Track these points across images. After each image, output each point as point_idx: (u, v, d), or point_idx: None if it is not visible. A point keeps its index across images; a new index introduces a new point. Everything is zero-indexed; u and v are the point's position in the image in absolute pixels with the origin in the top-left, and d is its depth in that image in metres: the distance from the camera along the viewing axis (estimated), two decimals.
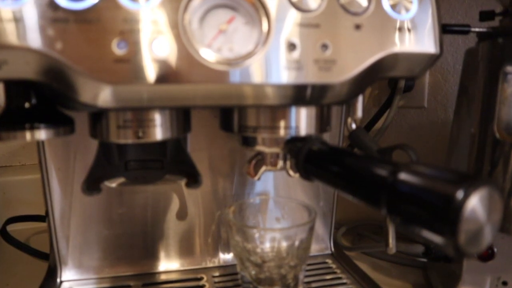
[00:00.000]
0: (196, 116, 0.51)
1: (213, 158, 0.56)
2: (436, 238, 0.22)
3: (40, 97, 0.36)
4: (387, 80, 0.76)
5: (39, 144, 0.50)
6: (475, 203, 0.21)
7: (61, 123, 0.36)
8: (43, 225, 0.61)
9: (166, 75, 0.31)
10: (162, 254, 0.57)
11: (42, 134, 0.34)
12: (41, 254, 0.65)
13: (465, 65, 0.55)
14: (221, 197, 0.58)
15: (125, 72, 0.30)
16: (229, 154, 0.56)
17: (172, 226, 0.57)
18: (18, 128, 0.34)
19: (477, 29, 0.50)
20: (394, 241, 0.38)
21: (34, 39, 0.28)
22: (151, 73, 0.30)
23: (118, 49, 0.30)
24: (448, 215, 0.21)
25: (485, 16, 0.52)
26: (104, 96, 0.31)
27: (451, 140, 0.58)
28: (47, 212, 0.52)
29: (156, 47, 0.30)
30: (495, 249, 0.49)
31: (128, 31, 0.30)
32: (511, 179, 0.44)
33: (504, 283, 0.50)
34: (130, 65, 0.30)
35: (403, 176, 0.25)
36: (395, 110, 0.71)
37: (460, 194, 0.21)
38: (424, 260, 0.64)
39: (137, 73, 0.30)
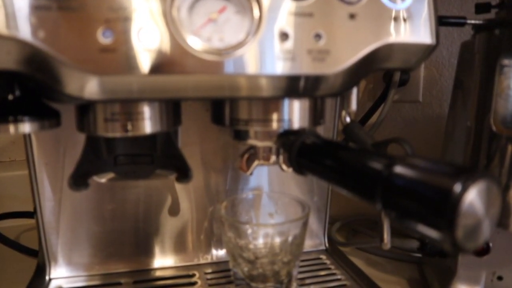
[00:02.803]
0: (188, 109, 0.50)
1: (205, 153, 0.55)
2: (433, 233, 0.22)
3: (24, 89, 0.35)
4: (382, 74, 0.76)
5: (26, 138, 0.48)
6: (473, 196, 0.20)
7: (46, 115, 0.35)
8: (33, 221, 0.60)
9: (154, 65, 0.29)
10: (154, 251, 0.56)
11: (26, 127, 0.33)
12: (31, 251, 0.64)
13: (461, 58, 0.54)
14: (214, 193, 0.57)
15: (111, 62, 0.29)
16: (222, 149, 0.55)
17: (164, 222, 0.56)
18: (1, 121, 0.33)
19: (473, 21, 0.49)
20: (389, 236, 0.38)
21: (15, 27, 0.27)
22: (138, 63, 0.29)
23: (103, 38, 0.28)
24: (445, 209, 0.20)
25: (481, 8, 0.52)
26: (90, 87, 0.30)
27: (446, 134, 0.57)
28: (35, 208, 0.51)
29: (143, 36, 0.29)
30: (491, 244, 0.49)
31: (114, 20, 0.28)
32: (508, 173, 0.44)
33: (499, 278, 0.50)
34: (116, 55, 0.29)
35: (399, 169, 0.24)
36: (390, 104, 0.70)
37: (458, 187, 0.20)
38: (419, 255, 0.64)
39: (123, 63, 0.29)
